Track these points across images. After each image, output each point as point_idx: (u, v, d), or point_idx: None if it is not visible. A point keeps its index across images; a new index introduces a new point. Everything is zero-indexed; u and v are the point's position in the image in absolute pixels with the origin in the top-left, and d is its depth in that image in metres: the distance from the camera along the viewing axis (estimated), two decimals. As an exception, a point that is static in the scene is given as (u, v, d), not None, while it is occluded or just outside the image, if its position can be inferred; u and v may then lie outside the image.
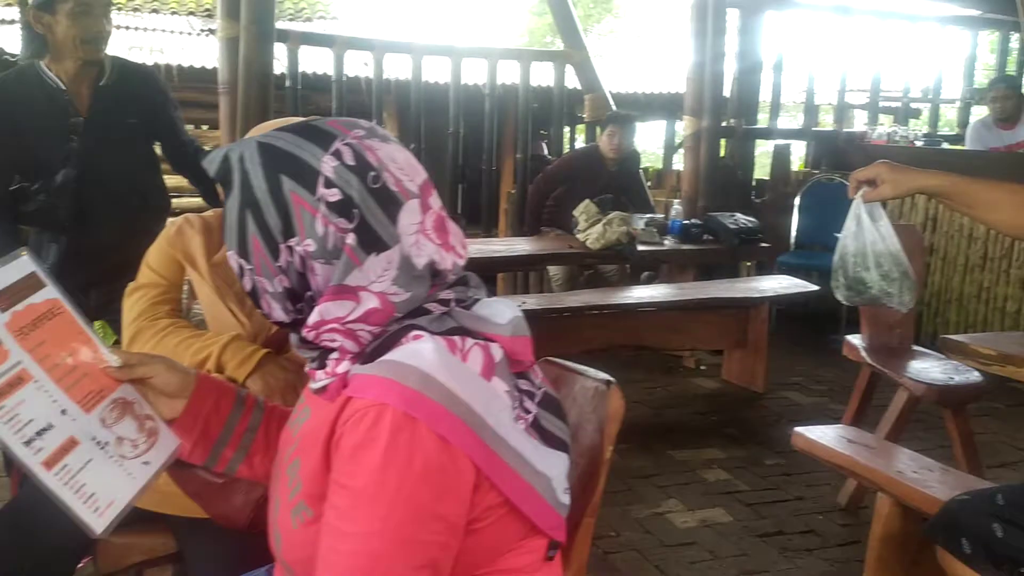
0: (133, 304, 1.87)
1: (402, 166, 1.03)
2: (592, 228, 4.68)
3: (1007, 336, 2.70)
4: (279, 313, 1.05)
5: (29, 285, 1.07)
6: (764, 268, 5.69)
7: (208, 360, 1.75)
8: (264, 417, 1.27)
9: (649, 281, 5.52)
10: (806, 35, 6.89)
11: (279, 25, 4.87)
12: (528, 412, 1.06)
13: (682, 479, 3.41)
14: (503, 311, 1.10)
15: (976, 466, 3.05)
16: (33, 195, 2.56)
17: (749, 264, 5.77)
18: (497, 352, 1.04)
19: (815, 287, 4.62)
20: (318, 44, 5.32)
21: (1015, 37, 6.90)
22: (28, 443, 0.99)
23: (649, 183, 7.77)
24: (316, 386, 1.06)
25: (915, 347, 3.39)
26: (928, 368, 3.14)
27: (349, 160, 0.99)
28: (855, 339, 3.43)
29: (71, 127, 2.54)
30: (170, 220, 1.98)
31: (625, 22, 22.74)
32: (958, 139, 6.23)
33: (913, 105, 7.33)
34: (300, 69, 6.01)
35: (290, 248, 0.99)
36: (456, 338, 1.01)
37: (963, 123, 6.48)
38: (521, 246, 4.77)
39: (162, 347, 1.79)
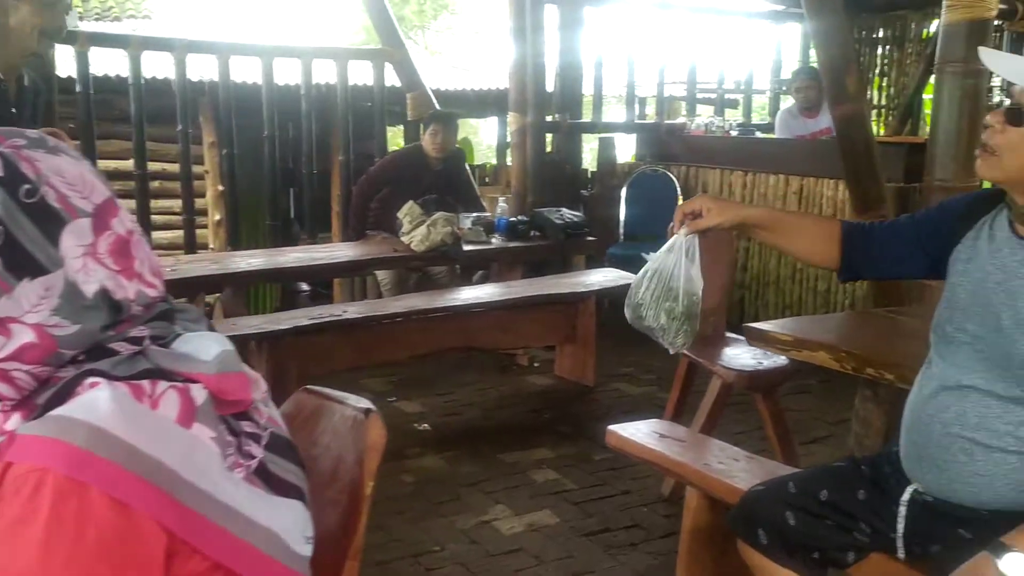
0: None
1: (72, 181, 0.89)
2: (416, 230, 4.57)
3: (805, 320, 2.79)
4: None
5: None
6: (595, 261, 5.75)
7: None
8: None
9: (482, 281, 5.46)
10: (626, 29, 7.01)
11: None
12: (250, 458, 0.94)
13: (511, 483, 3.35)
14: (208, 346, 0.97)
15: (788, 447, 3.15)
16: None
17: (582, 257, 5.81)
18: (199, 394, 0.90)
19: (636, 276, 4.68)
20: (111, 45, 4.96)
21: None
22: None
23: (488, 180, 7.75)
24: None
25: (729, 334, 3.47)
26: (740, 354, 3.21)
27: None
28: (672, 330, 3.47)
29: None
30: None
31: (462, 18, 22.73)
32: (770, 127, 6.50)
33: (729, 96, 7.60)
34: (100, 72, 5.63)
35: None
36: (144, 383, 0.87)
37: (774, 112, 6.77)
38: (344, 252, 4.60)
39: None
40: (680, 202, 5.86)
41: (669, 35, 6.64)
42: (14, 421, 0.88)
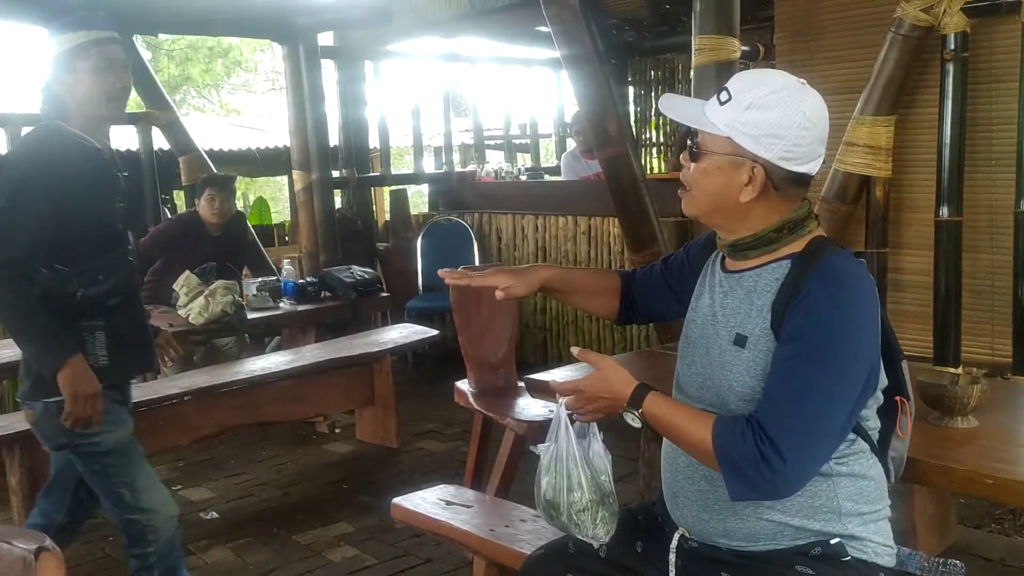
0: None
1: None
2: (194, 302, 4.27)
3: (586, 366, 2.76)
4: None
5: None
6: (397, 316, 5.62)
7: None
8: None
9: (277, 347, 5.19)
10: (410, 80, 7.01)
11: None
12: None
13: (306, 567, 3.12)
14: None
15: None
16: (84, 276, 2.17)
17: (378, 314, 5.67)
18: None
19: (434, 332, 4.61)
20: None
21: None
22: None
23: (288, 239, 7.46)
24: None
25: (521, 383, 3.42)
26: (531, 405, 3.15)
27: None
28: (464, 384, 3.40)
29: (121, 190, 2.29)
30: None
31: (260, 75, 22.19)
32: (558, 170, 6.65)
33: (519, 141, 7.75)
34: None
35: None
36: None
37: (562, 154, 6.94)
38: (114, 332, 4.21)
39: None
40: (475, 251, 5.88)
41: (454, 84, 6.67)
42: None
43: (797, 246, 1.50)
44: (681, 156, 1.57)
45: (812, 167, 1.48)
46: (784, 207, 1.49)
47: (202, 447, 4.23)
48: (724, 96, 1.47)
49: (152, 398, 3.67)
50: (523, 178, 6.23)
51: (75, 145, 2.17)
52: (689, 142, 1.54)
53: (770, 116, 1.43)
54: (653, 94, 7.45)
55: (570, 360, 5.18)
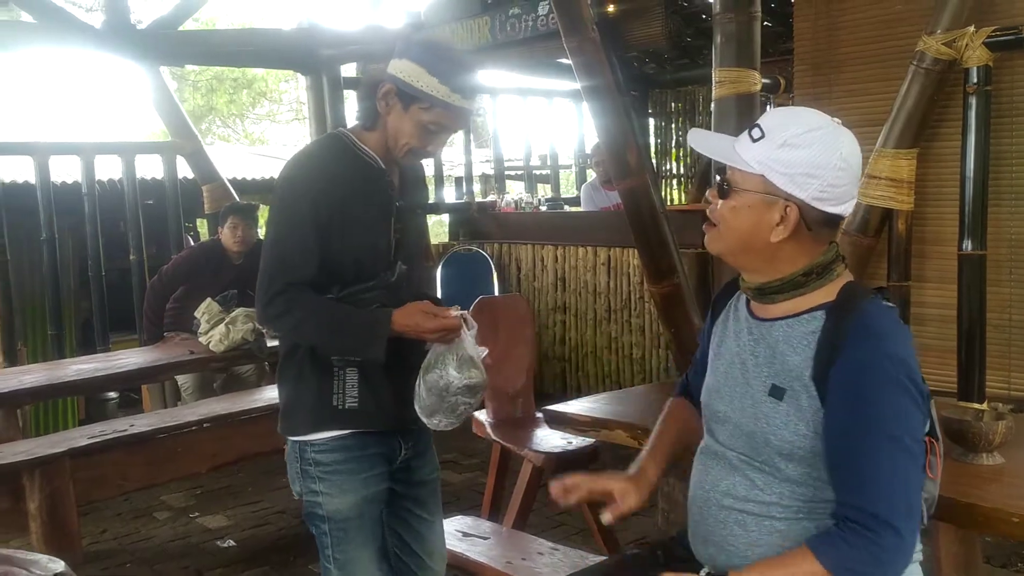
0: None
1: None
2: (215, 329, 4.29)
3: (606, 397, 2.76)
4: None
5: None
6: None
7: None
8: None
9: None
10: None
11: None
12: None
13: (322, 598, 3.10)
14: None
15: (603, 526, 3.09)
16: (359, 297, 1.93)
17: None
18: None
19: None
20: None
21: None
22: None
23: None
24: None
25: (539, 414, 3.41)
26: (549, 436, 3.14)
27: None
28: (481, 415, 3.39)
29: (395, 212, 2.00)
30: None
31: (284, 105, 22.47)
32: (579, 201, 6.67)
33: (538, 172, 7.79)
34: None
35: None
36: None
37: (582, 185, 6.97)
38: (135, 359, 4.24)
39: None
40: (495, 280, 5.88)
41: (474, 114, 6.73)
42: None
43: (828, 293, 1.46)
44: (708, 192, 1.54)
45: (846, 208, 1.45)
46: (814, 249, 1.46)
47: (220, 474, 4.23)
48: (756, 133, 1.45)
49: (171, 424, 3.70)
50: (543, 208, 6.25)
51: (348, 158, 2.00)
52: (718, 178, 1.51)
53: (805, 155, 1.40)
54: (673, 125, 7.48)
55: (589, 391, 5.14)
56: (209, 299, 4.46)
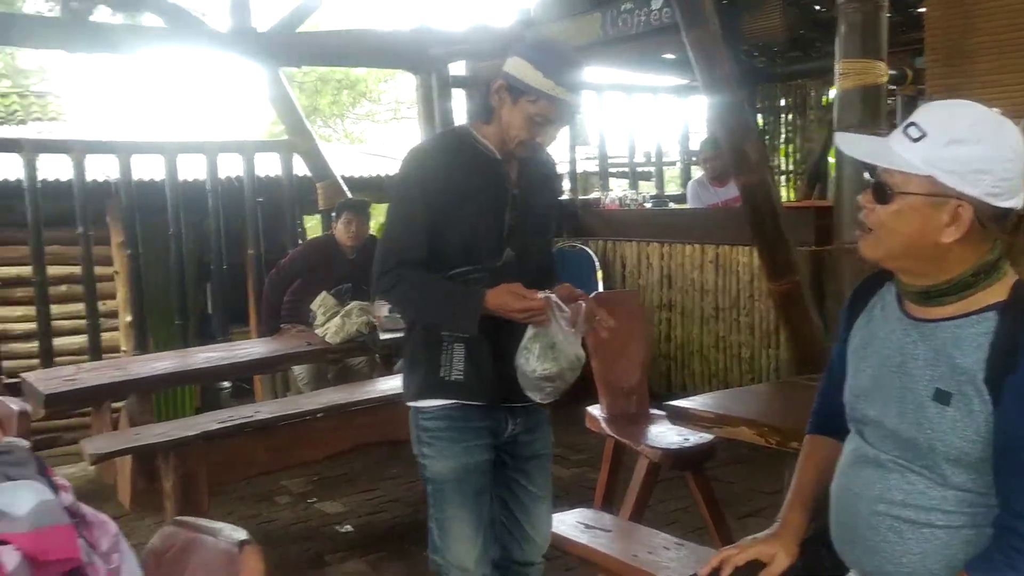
0: None
1: None
2: (330, 321, 4.44)
3: (727, 394, 2.74)
4: None
5: None
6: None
7: None
8: None
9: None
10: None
11: None
12: None
13: (439, 585, 3.17)
14: (22, 498, 0.84)
15: (722, 525, 3.06)
16: (466, 278, 2.09)
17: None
18: (10, 558, 0.78)
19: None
20: (56, 151, 4.80)
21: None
22: None
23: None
24: None
25: (653, 411, 3.40)
26: (665, 432, 3.13)
27: None
28: (595, 410, 3.40)
29: (508, 201, 2.11)
30: None
31: (382, 105, 22.95)
32: (682, 198, 6.60)
33: (641, 169, 7.74)
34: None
35: None
36: None
37: (686, 182, 6.89)
38: (256, 349, 4.42)
39: None
40: (599, 278, 5.87)
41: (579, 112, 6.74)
42: None
43: (998, 293, 1.41)
44: (862, 196, 1.48)
45: (1017, 201, 1.39)
46: (983, 247, 1.41)
47: (335, 462, 4.36)
48: (915, 132, 1.39)
49: (293, 412, 3.83)
50: (647, 206, 6.20)
51: (465, 148, 2.13)
52: (874, 181, 1.45)
53: (976, 151, 1.35)
54: (782, 120, 7.31)
55: (695, 390, 5.08)
56: (324, 292, 4.61)
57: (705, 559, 2.11)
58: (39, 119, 9.86)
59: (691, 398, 2.66)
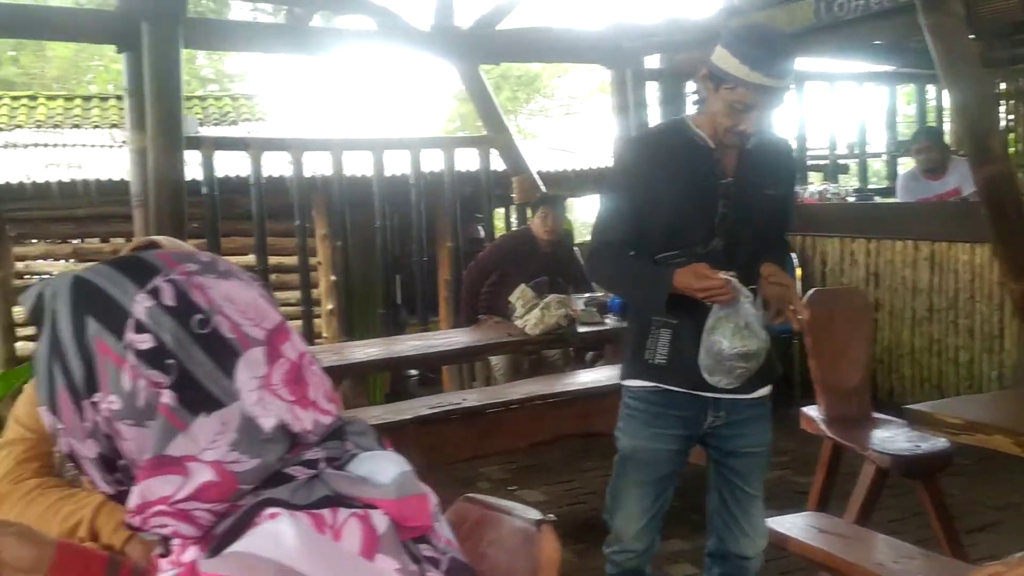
0: (-2, 464, 1.62)
1: (243, 308, 0.84)
2: (530, 313, 4.50)
3: (970, 401, 2.56)
4: (100, 483, 0.86)
5: None
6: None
7: (80, 526, 1.52)
8: None
9: (593, 362, 5.34)
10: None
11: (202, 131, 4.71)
12: None
13: (647, 580, 3.15)
14: (385, 467, 0.90)
15: (954, 538, 2.88)
16: (670, 263, 2.16)
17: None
18: (380, 522, 0.83)
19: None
20: (233, 148, 5.16)
21: (931, 89, 7.05)
22: None
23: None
24: None
25: (875, 414, 3.24)
26: (892, 437, 2.97)
27: (168, 300, 0.81)
28: (812, 411, 3.27)
29: (720, 189, 2.15)
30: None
31: (554, 100, 23.14)
32: (888, 191, 6.25)
33: (841, 161, 7.39)
34: (222, 174, 5.87)
35: (94, 405, 0.81)
36: (325, 512, 0.81)
37: (891, 175, 6.52)
38: (459, 338, 4.55)
39: (29, 514, 1.56)
40: (798, 273, 5.66)
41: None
42: (191, 553, 0.84)
43: None
44: None
45: None
46: None
47: (532, 453, 4.43)
48: None
49: (497, 401, 3.93)
50: (850, 199, 5.91)
51: (678, 138, 2.18)
52: None
53: None
54: (1003, 108, 6.76)
55: (904, 395, 4.80)
56: (523, 285, 4.68)
57: (957, 573, 2.00)
58: (248, 120, 10.60)
59: (934, 402, 2.51)
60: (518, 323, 4.53)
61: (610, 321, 4.78)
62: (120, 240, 6.84)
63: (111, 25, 4.22)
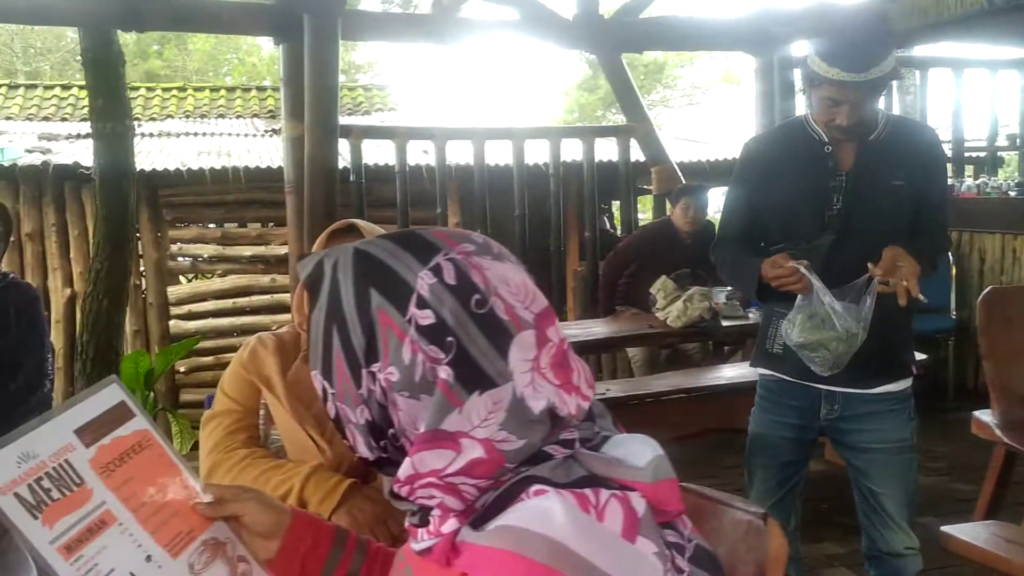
0: (209, 434, 1.73)
1: (515, 290, 0.85)
2: (672, 305, 4.46)
3: None
4: (363, 448, 0.89)
5: (117, 416, 1.00)
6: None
7: (289, 494, 1.59)
8: (366, 562, 1.11)
9: (729, 357, 5.23)
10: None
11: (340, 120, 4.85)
12: (680, 573, 0.85)
13: (803, 581, 3.07)
14: (640, 450, 0.90)
15: None
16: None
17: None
18: (639, 504, 0.83)
19: (922, 355, 4.29)
20: (380, 137, 5.30)
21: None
22: None
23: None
24: (418, 547, 0.88)
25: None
26: (1078, 446, 2.80)
27: (449, 278, 0.83)
28: (985, 415, 3.11)
29: (833, 187, 2.19)
30: (244, 341, 1.84)
31: (676, 91, 22.80)
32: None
33: (1005, 153, 6.98)
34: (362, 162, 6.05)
35: (372, 375, 0.84)
36: (587, 491, 0.81)
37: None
38: (598, 328, 4.55)
39: (240, 482, 1.64)
40: (952, 270, 5.39)
41: (931, 92, 6.20)
42: (450, 524, 0.85)
43: None
44: None
45: None
46: None
47: (673, 446, 4.37)
48: None
49: (642, 392, 3.91)
50: (1012, 194, 5.58)
51: (795, 135, 2.23)
52: None
53: None
54: None
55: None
56: (664, 277, 4.63)
57: None
58: (380, 110, 10.89)
59: None
60: (659, 315, 4.49)
61: (753, 315, 4.67)
62: (257, 225, 7.12)
63: (272, 18, 4.39)
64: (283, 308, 6.86)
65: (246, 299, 6.98)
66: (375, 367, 0.84)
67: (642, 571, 0.79)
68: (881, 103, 2.29)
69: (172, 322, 6.91)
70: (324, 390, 0.89)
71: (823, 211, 2.17)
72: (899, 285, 1.99)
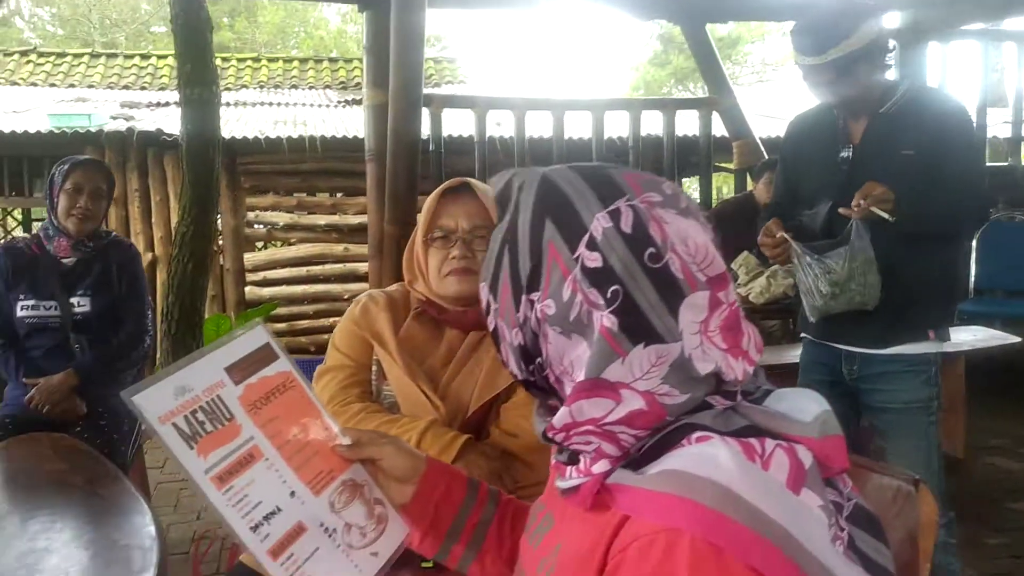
0: (322, 389, 1.75)
1: (694, 250, 0.83)
2: (754, 281, 4.39)
3: None
4: (513, 367, 0.90)
5: (263, 357, 1.04)
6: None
7: (406, 448, 1.60)
8: (497, 511, 1.12)
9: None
10: (968, 65, 6.40)
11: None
12: (842, 530, 0.82)
13: (892, 562, 3.01)
14: (806, 405, 0.88)
15: None
16: (794, 223, 2.35)
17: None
18: (806, 456, 0.82)
19: (1016, 339, 4.15)
20: (460, 107, 5.28)
21: None
22: (255, 528, 0.93)
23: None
24: (565, 485, 0.87)
25: None
26: None
27: (626, 226, 0.81)
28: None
29: (843, 158, 2.28)
30: (356, 298, 1.85)
31: (745, 67, 22.35)
32: None
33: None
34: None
35: (531, 302, 0.84)
36: (753, 440, 0.80)
37: None
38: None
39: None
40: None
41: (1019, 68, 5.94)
42: (601, 465, 0.84)
43: None
44: None
45: None
46: None
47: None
48: None
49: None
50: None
51: (818, 114, 2.39)
52: None
53: None
54: None
55: None
56: (746, 252, 4.55)
57: None
58: (450, 82, 10.88)
59: None
60: (740, 291, 4.43)
61: (837, 294, 4.58)
62: (328, 194, 7.18)
63: (358, -15, 4.40)
64: (355, 277, 6.93)
65: (319, 267, 7.06)
66: (535, 295, 0.84)
67: (807, 523, 0.78)
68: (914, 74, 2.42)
69: (247, 288, 7.03)
70: (488, 304, 0.90)
71: (831, 183, 2.28)
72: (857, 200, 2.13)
